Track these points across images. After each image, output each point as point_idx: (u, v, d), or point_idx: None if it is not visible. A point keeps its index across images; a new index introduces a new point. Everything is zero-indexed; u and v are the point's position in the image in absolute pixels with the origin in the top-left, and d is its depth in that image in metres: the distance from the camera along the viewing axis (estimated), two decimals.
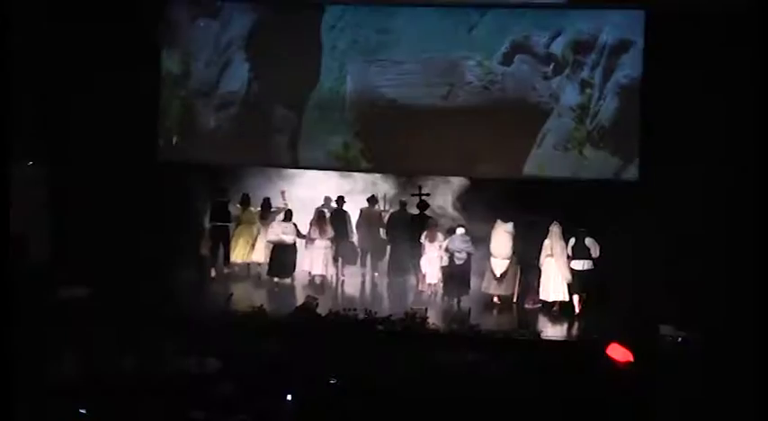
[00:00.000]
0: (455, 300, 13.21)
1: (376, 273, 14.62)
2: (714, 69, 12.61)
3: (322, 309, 12.00)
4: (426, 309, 12.12)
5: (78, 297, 12.11)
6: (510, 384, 9.20)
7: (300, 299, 12.70)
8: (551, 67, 14.03)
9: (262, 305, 12.19)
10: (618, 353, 9.73)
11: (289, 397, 8.66)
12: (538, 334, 11.76)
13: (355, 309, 11.90)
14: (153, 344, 9.92)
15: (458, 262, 13.22)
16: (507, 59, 14.12)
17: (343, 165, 14.69)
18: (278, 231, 14.09)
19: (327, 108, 14.50)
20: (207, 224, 14.36)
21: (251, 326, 11.51)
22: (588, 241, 12.86)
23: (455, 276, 13.26)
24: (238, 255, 14.52)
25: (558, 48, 14.00)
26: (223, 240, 14.38)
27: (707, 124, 12.74)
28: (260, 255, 14.49)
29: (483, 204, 13.70)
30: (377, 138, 14.50)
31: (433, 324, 11.80)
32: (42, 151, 13.55)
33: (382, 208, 14.78)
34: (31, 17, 12.93)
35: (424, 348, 10.58)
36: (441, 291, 13.54)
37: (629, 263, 12.87)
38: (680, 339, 11.28)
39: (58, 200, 13.95)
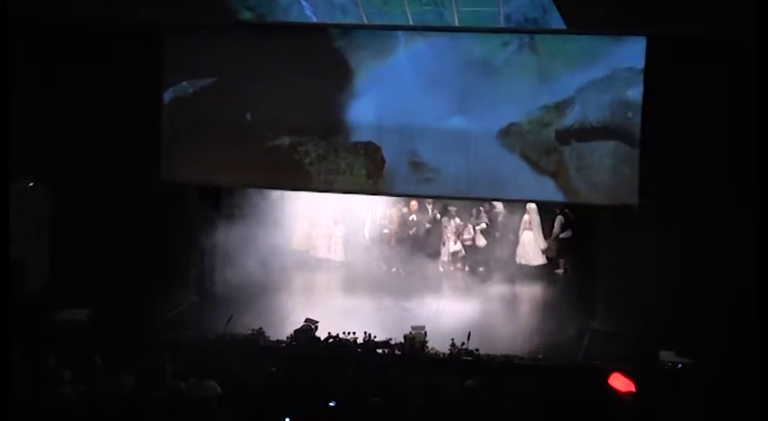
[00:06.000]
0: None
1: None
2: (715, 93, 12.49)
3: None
4: (425, 333, 12.09)
5: (77, 319, 12.13)
6: (510, 409, 9.20)
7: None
8: None
9: (261, 327, 12.25)
10: (620, 383, 9.65)
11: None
12: (537, 359, 11.84)
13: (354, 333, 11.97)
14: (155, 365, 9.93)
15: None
16: None
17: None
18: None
19: None
20: None
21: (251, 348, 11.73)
22: (570, 216, 15.25)
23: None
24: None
25: None
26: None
27: (708, 148, 12.59)
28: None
29: None
30: None
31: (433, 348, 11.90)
32: (42, 172, 13.38)
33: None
34: (33, 38, 12.89)
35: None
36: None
37: (629, 287, 12.83)
38: (680, 366, 11.26)
39: (57, 221, 13.79)
